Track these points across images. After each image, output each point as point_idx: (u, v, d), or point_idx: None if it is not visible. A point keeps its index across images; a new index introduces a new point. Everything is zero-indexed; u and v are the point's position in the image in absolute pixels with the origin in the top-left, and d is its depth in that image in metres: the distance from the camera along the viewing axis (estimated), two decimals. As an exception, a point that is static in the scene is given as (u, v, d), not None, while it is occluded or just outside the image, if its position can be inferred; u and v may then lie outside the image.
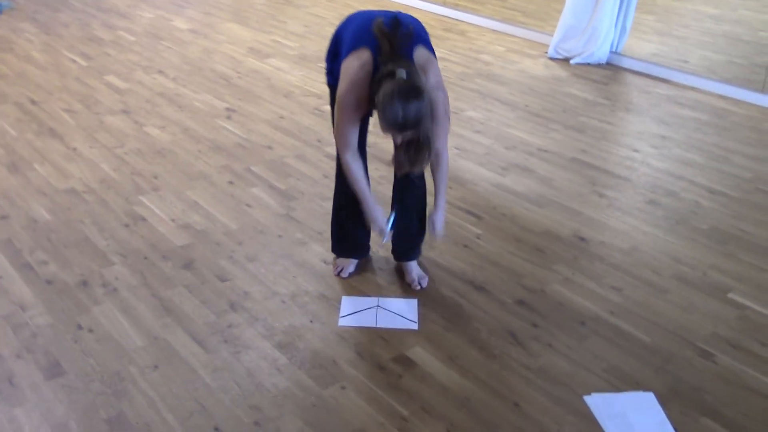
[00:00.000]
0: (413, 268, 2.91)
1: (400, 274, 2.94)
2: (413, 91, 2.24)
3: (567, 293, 2.86)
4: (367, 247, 3.00)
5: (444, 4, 7.00)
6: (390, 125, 2.28)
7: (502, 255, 3.09)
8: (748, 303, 2.83)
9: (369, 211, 2.62)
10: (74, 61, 5.20)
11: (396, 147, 2.43)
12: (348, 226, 2.89)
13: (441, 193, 2.62)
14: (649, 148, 4.11)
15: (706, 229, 3.32)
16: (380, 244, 2.69)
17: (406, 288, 2.86)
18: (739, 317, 2.75)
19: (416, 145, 2.36)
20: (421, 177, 2.73)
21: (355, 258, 2.96)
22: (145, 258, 2.99)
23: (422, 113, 2.26)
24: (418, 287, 2.87)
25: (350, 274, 2.92)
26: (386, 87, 2.26)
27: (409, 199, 2.81)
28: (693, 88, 5.04)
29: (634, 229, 3.31)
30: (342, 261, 2.95)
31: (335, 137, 2.57)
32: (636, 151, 4.07)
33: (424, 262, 2.99)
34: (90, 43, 5.60)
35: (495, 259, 3.06)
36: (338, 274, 2.92)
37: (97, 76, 4.94)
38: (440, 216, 2.63)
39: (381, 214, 2.62)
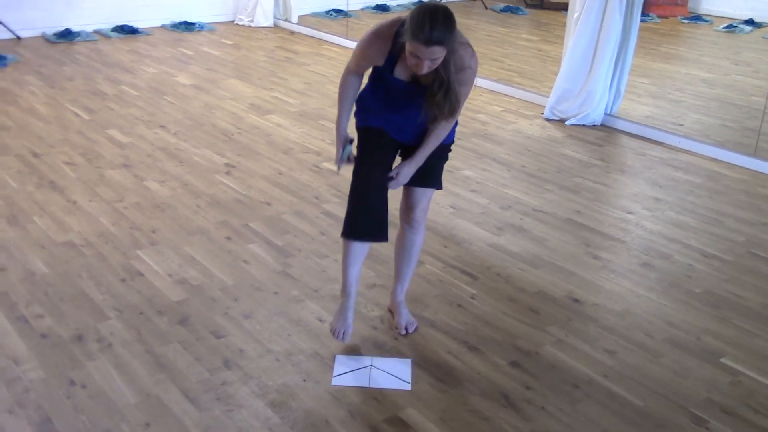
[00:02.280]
0: (404, 313, 2.95)
1: (394, 333, 2.95)
2: (442, 8, 2.34)
3: (560, 355, 2.86)
4: (386, 230, 2.76)
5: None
6: (416, 36, 2.31)
7: (497, 315, 3.11)
8: (741, 368, 2.84)
9: (337, 130, 2.70)
10: (77, 115, 5.28)
11: (428, 95, 2.49)
12: (369, 202, 2.70)
13: (426, 147, 2.65)
14: (643, 210, 4.15)
15: (700, 293, 3.34)
16: (337, 172, 2.76)
17: (400, 348, 2.87)
18: (732, 383, 2.76)
19: (446, 87, 2.45)
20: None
21: (369, 239, 2.75)
22: (141, 313, 3.00)
23: (450, 26, 2.33)
24: (404, 332, 2.91)
25: (344, 337, 2.85)
26: (414, 8, 2.37)
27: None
28: (686, 151, 5.11)
29: (627, 291, 3.33)
30: (340, 325, 2.83)
31: (350, 60, 2.65)
32: (630, 213, 4.12)
33: (419, 322, 3.00)
34: (93, 97, 5.69)
35: (489, 320, 3.07)
36: (336, 337, 2.85)
37: (99, 129, 5.01)
38: (410, 168, 2.66)
39: (342, 141, 2.69)
